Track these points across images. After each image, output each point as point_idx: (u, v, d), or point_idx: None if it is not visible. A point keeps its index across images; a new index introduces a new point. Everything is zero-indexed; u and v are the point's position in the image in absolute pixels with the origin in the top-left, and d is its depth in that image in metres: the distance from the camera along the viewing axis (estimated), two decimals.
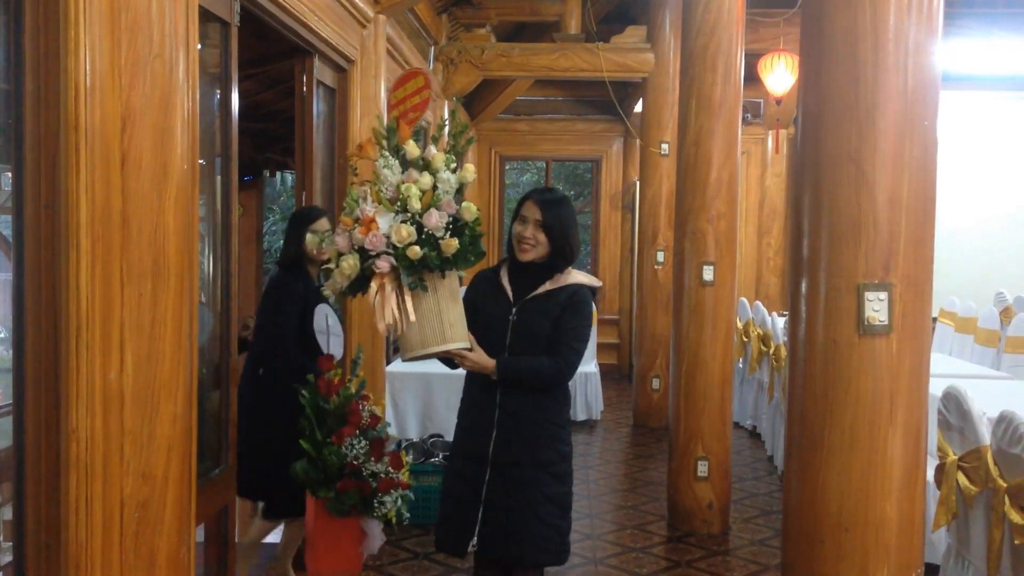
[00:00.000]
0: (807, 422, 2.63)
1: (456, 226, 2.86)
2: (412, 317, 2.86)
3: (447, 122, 3.09)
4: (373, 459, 3.64)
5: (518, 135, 11.75)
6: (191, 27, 2.56)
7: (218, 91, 3.29)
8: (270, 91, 6.10)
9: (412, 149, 2.94)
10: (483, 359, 3.04)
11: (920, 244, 2.53)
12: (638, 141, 9.56)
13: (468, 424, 3.22)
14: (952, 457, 3.75)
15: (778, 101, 8.39)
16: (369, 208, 2.85)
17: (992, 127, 10.39)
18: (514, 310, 3.13)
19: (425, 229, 2.80)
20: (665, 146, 8.38)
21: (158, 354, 2.34)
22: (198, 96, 2.63)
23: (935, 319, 8.92)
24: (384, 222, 2.81)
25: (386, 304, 2.82)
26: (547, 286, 3.12)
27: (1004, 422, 3.42)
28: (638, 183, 9.30)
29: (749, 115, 10.90)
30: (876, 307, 2.49)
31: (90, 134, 2.08)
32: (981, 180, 10.36)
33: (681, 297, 5.55)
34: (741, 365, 8.37)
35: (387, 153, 2.95)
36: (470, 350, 3.02)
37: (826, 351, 2.57)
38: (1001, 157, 10.42)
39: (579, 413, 8.41)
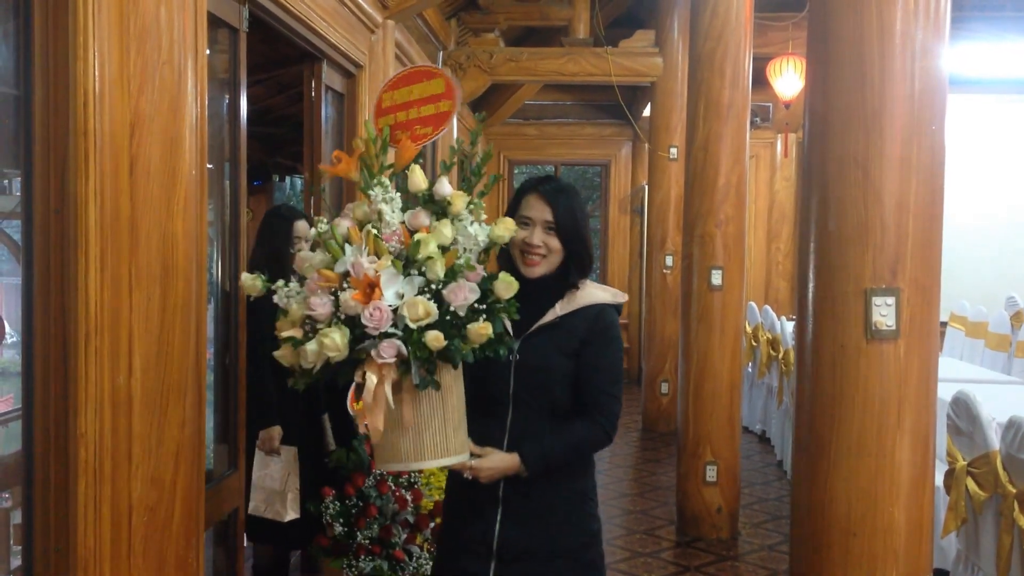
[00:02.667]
0: (815, 427, 2.63)
1: (488, 304, 2.10)
2: (410, 422, 2.13)
3: (463, 147, 2.35)
4: (349, 521, 3.56)
5: (527, 139, 11.75)
6: (200, 33, 2.58)
7: (227, 96, 3.31)
8: (279, 96, 6.13)
9: (418, 178, 2.17)
10: (499, 463, 2.27)
11: (928, 248, 2.53)
12: (647, 145, 9.56)
13: (462, 502, 2.42)
14: (961, 462, 3.74)
15: (787, 105, 8.37)
16: (367, 263, 2.02)
17: (1003, 131, 10.35)
18: (516, 346, 2.32)
19: (450, 307, 2.04)
20: (674, 150, 8.38)
21: (167, 358, 2.35)
22: (207, 101, 2.64)
23: (945, 324, 8.89)
24: (391, 289, 2.02)
25: (380, 405, 2.04)
26: (558, 310, 2.35)
27: (1013, 427, 3.41)
28: (647, 187, 9.30)
29: (758, 119, 10.88)
30: (884, 312, 2.48)
31: (99, 140, 2.09)
32: (993, 184, 10.32)
33: (689, 301, 5.55)
34: (750, 369, 8.36)
35: (384, 181, 2.15)
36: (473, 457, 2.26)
37: (834, 356, 2.57)
38: (1013, 161, 10.38)
39: None
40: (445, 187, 2.16)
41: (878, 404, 2.51)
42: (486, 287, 2.10)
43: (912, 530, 2.55)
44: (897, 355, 2.51)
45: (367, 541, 3.56)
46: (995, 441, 3.56)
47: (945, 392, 3.97)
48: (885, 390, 2.51)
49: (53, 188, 2.08)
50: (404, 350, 2.01)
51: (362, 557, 3.56)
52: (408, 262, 2.06)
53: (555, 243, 2.36)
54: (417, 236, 2.06)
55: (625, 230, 11.72)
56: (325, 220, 2.15)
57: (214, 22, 2.99)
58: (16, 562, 2.54)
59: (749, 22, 5.49)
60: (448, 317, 2.04)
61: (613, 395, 2.36)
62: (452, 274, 2.05)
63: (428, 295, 2.03)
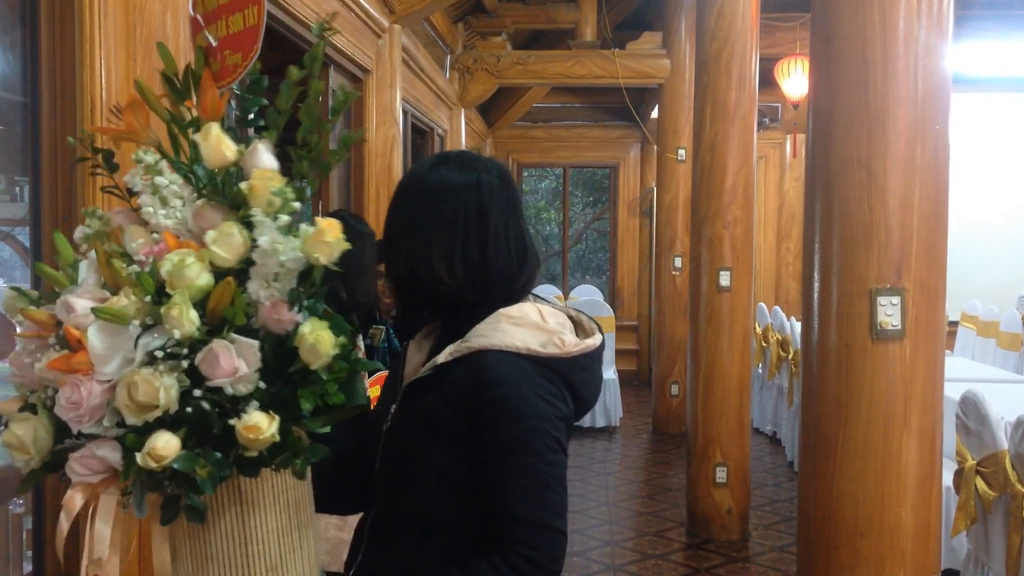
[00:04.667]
0: (821, 427, 2.63)
1: (286, 374, 1.20)
2: (164, 572, 1.29)
3: (300, 76, 1.29)
4: None
5: (536, 142, 11.77)
6: None
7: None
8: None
9: (216, 144, 1.24)
10: None
11: (933, 248, 2.53)
12: (655, 147, 9.56)
13: None
14: (971, 462, 3.73)
15: (795, 105, 8.37)
16: (82, 303, 1.18)
17: (1015, 129, 10.31)
18: (392, 409, 1.54)
19: (206, 384, 1.16)
20: (682, 152, 8.38)
21: None
22: None
23: (956, 323, 8.86)
24: (114, 354, 1.16)
25: (96, 543, 1.21)
26: (445, 355, 1.47)
27: (1022, 427, 3.40)
28: (655, 189, 9.30)
29: (767, 120, 10.87)
30: (889, 312, 2.48)
31: (106, 147, 2.10)
32: (1004, 182, 10.28)
33: (698, 303, 5.55)
34: (760, 371, 8.35)
35: (143, 155, 1.25)
36: None
37: (839, 356, 2.57)
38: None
39: (598, 419, 8.41)
40: (262, 159, 1.24)
41: (884, 404, 2.51)
42: (285, 347, 1.19)
43: (919, 530, 2.55)
44: (903, 355, 2.51)
45: None
46: (1004, 441, 3.55)
47: (955, 391, 3.97)
48: (891, 390, 2.51)
49: (61, 195, 2.10)
50: (115, 463, 1.16)
51: None
52: (154, 301, 1.17)
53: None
54: (173, 258, 1.17)
55: (634, 232, 11.72)
56: (97, 216, 1.31)
57: None
58: (28, 567, 2.57)
59: (755, 23, 5.49)
60: (199, 403, 1.15)
61: (534, 522, 1.40)
62: (226, 326, 1.17)
63: (172, 362, 1.15)
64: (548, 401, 1.43)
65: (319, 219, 1.20)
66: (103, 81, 2.11)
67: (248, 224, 1.20)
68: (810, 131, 2.72)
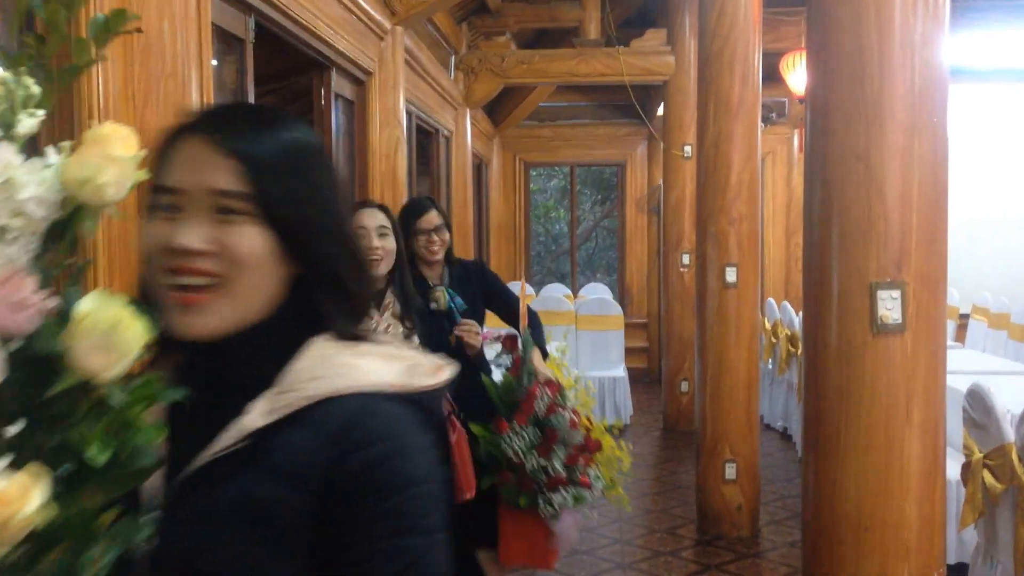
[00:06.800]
0: (823, 423, 2.62)
1: (41, 403, 0.69)
2: None
3: None
4: (537, 453, 3.01)
5: (542, 141, 11.77)
6: (204, 45, 2.61)
7: None
8: (293, 105, 6.17)
9: None
10: None
11: (933, 242, 2.52)
12: (661, 144, 9.55)
13: None
14: (978, 455, 3.71)
15: (802, 100, 8.34)
16: None
17: (1020, 120, 10.25)
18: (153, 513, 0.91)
19: None
20: (688, 149, 8.36)
21: None
22: None
23: (968, 315, 8.83)
24: None
25: None
26: (257, 415, 0.92)
27: None
28: (662, 186, 9.29)
29: (774, 115, 10.84)
30: (889, 306, 2.48)
31: None
32: (1015, 173, 10.22)
33: (705, 299, 5.55)
34: (771, 366, 8.33)
35: None
36: None
37: (840, 351, 2.56)
38: None
39: (609, 417, 8.41)
40: None
41: (886, 398, 2.51)
42: (35, 357, 0.71)
43: (924, 524, 2.54)
44: (904, 349, 2.51)
45: (554, 472, 3.06)
46: (1010, 433, 3.54)
47: (962, 384, 3.96)
48: (892, 384, 2.50)
49: None
50: None
51: (559, 489, 3.07)
52: None
53: (248, 242, 0.96)
54: None
55: (643, 230, 11.71)
56: None
57: (220, 34, 3.02)
58: None
59: (758, 19, 5.48)
60: None
61: None
62: None
63: None
64: (431, 455, 0.98)
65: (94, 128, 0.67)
66: (100, 87, 2.12)
67: None
68: (808, 125, 2.72)
